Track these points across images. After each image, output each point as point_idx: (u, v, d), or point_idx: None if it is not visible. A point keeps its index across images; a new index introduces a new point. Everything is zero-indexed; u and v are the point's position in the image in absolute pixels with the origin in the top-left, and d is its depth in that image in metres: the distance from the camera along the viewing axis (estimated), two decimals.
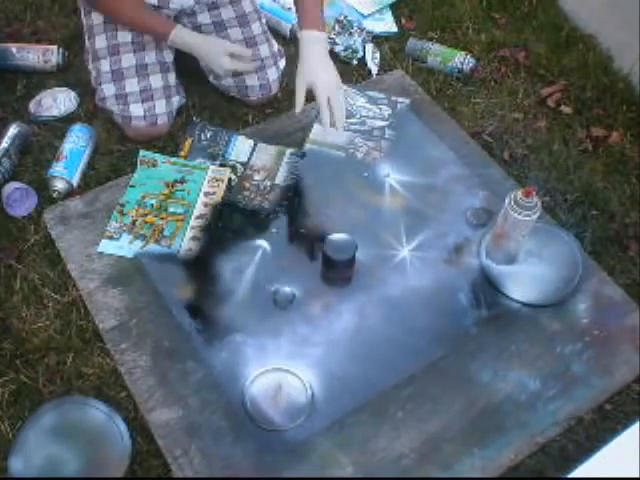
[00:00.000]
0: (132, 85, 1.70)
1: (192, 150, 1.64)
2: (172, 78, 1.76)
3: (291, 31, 2.05)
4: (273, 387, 1.28)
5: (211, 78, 1.85)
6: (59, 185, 1.65)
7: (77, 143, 1.71)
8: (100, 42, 1.69)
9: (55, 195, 1.65)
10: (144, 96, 1.70)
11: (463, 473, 1.21)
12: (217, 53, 1.66)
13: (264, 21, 1.86)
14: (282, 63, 1.87)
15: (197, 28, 1.77)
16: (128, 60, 1.69)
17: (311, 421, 1.25)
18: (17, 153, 1.72)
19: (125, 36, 1.69)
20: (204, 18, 1.76)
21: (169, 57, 1.76)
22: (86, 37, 1.75)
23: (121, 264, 1.44)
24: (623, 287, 1.48)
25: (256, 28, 1.80)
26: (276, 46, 1.87)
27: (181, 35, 1.64)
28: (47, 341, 1.43)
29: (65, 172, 1.66)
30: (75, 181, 1.67)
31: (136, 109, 1.71)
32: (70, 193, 1.65)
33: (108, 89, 1.71)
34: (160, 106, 1.72)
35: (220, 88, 1.86)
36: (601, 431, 1.34)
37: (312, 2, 1.55)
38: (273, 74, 1.83)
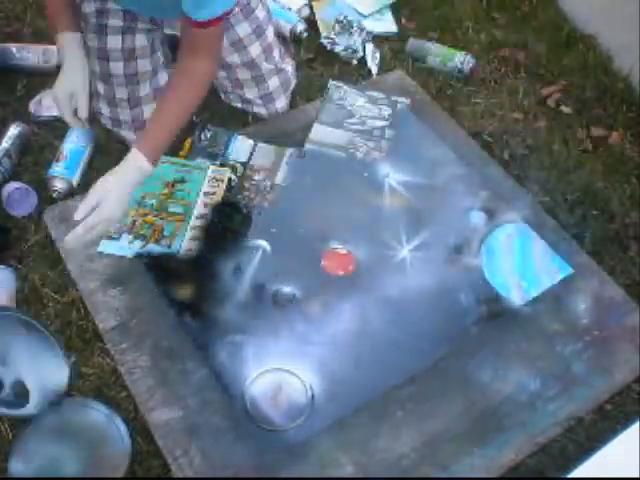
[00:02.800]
0: (125, 114, 1.68)
1: (192, 150, 1.64)
2: None
3: (291, 31, 2.05)
4: (273, 387, 1.28)
5: (223, 96, 1.84)
6: (59, 185, 1.65)
7: (77, 143, 1.71)
8: (94, 65, 1.62)
9: (55, 195, 1.65)
10: (136, 125, 1.69)
11: (463, 473, 1.21)
12: (65, 86, 1.48)
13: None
14: (292, 85, 1.84)
15: None
16: (121, 92, 1.65)
17: (311, 421, 1.25)
18: (17, 153, 1.71)
19: (117, 68, 1.61)
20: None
21: (163, 78, 1.70)
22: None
23: (121, 264, 1.44)
24: (623, 287, 1.48)
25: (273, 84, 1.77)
26: (290, 71, 1.84)
27: (63, 42, 1.50)
28: None
29: (65, 172, 1.66)
30: (75, 181, 1.67)
31: (129, 135, 1.70)
32: (70, 193, 1.65)
33: (104, 109, 1.69)
34: None
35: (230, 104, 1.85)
36: (601, 431, 1.34)
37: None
38: (282, 102, 1.82)
